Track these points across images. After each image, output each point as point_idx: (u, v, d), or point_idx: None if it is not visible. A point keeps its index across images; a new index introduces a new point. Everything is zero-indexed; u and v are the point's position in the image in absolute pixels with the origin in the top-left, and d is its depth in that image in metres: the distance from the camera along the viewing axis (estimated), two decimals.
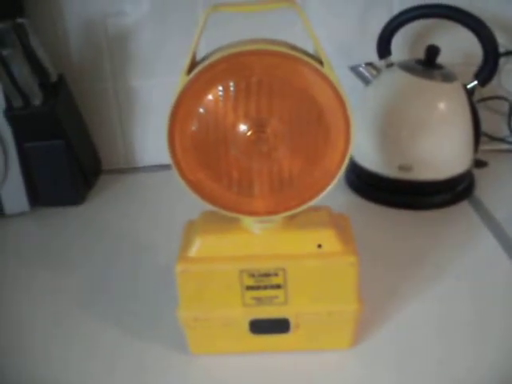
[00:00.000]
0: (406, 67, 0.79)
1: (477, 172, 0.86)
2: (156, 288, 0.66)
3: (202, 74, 0.45)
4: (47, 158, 0.84)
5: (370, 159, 0.82)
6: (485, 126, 0.87)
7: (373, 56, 0.82)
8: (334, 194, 0.83)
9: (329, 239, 0.51)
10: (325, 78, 0.45)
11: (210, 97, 0.46)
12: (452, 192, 0.81)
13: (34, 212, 0.86)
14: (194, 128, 0.47)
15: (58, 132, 0.82)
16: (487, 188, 0.84)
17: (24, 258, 0.76)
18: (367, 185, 0.83)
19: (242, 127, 0.47)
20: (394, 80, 0.80)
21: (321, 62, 0.46)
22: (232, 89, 0.46)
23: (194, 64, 0.46)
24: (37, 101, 0.79)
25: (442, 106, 0.78)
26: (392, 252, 0.71)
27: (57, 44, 0.87)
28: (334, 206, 0.81)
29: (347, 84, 0.80)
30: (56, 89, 0.83)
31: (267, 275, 0.51)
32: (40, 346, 0.60)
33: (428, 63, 0.79)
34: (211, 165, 0.49)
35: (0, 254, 0.77)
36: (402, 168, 0.78)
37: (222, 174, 0.49)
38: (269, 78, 0.45)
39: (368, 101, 0.82)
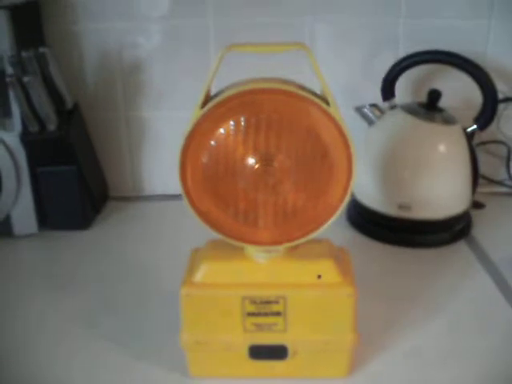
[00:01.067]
0: (409, 109, 0.82)
1: (474, 213, 0.88)
2: (159, 312, 0.67)
3: (215, 108, 0.48)
4: (58, 183, 0.86)
5: (371, 197, 0.84)
6: (483, 169, 0.90)
7: (377, 98, 0.86)
8: (336, 229, 0.85)
9: (328, 270, 0.53)
10: (330, 117, 0.48)
11: (222, 130, 0.49)
12: (449, 231, 0.83)
13: (42, 234, 0.88)
14: (204, 160, 0.50)
15: (69, 158, 0.85)
16: (484, 229, 0.86)
17: (29, 278, 0.78)
18: (367, 222, 0.86)
19: (250, 160, 0.50)
20: (397, 121, 0.83)
21: (327, 102, 0.49)
22: (243, 124, 0.49)
23: (207, 99, 0.49)
24: (52, 126, 0.81)
25: (442, 147, 0.81)
26: (389, 288, 0.73)
27: (73, 73, 0.91)
28: (335, 241, 0.84)
29: (351, 124, 0.84)
30: (70, 116, 0.86)
31: (268, 302, 0.53)
32: (43, 365, 0.61)
33: (430, 106, 0.82)
34: (219, 195, 0.51)
35: (6, 273, 0.79)
36: (401, 207, 0.81)
37: (230, 204, 0.51)
38: (277, 115, 0.48)
39: (371, 141, 0.85)
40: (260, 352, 0.55)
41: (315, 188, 0.51)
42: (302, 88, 0.49)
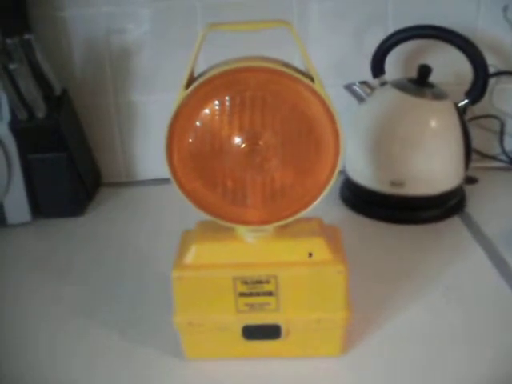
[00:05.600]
0: (399, 86, 0.82)
1: (468, 188, 0.88)
2: (156, 296, 0.67)
3: (199, 88, 0.48)
4: (49, 170, 0.86)
5: (363, 175, 0.84)
6: (477, 144, 0.90)
7: (368, 75, 0.85)
8: (328, 208, 0.87)
9: (319, 248, 0.53)
10: (315, 93, 0.48)
11: (207, 110, 0.49)
12: (443, 207, 0.83)
13: (36, 222, 0.88)
14: (190, 140, 0.50)
15: (60, 145, 0.85)
16: (478, 204, 0.86)
17: (24, 267, 0.78)
18: (360, 200, 0.85)
19: (237, 139, 0.49)
20: (387, 98, 0.83)
21: (312, 79, 0.48)
22: (227, 103, 0.48)
23: (192, 79, 0.49)
24: (41, 114, 0.81)
25: (433, 123, 0.81)
26: (383, 265, 0.73)
27: (61, 59, 0.90)
28: (327, 220, 0.83)
29: (341, 102, 0.85)
30: (59, 102, 0.85)
31: (259, 282, 0.53)
32: (42, 354, 0.61)
33: (420, 82, 0.81)
34: (206, 175, 0.51)
35: (1, 262, 0.79)
36: (393, 184, 0.80)
37: (217, 184, 0.51)
38: (262, 93, 0.48)
39: (361, 118, 0.85)
40: (254, 332, 0.55)
41: (302, 166, 0.51)
42: (287, 65, 0.48)
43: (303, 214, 0.53)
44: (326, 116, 0.49)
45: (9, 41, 0.76)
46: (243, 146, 0.49)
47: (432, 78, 0.82)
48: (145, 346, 0.60)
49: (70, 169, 0.87)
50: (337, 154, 0.50)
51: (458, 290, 0.68)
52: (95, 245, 0.82)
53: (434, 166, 0.81)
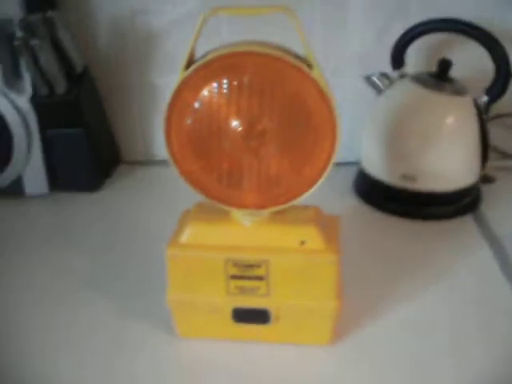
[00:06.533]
0: (418, 79, 0.80)
1: (484, 188, 0.86)
2: (159, 274, 0.68)
3: (198, 70, 0.48)
4: (67, 145, 0.88)
5: (377, 167, 0.83)
6: (499, 143, 0.88)
7: (388, 66, 0.84)
8: (341, 197, 0.87)
9: (312, 236, 0.53)
10: (313, 81, 0.48)
11: (205, 93, 0.49)
12: (455, 205, 0.82)
13: (52, 195, 0.89)
14: (189, 121, 0.50)
15: (78, 121, 0.86)
16: (493, 204, 0.84)
17: (37, 237, 0.80)
18: (372, 192, 0.85)
19: (234, 123, 0.50)
20: (405, 91, 0.81)
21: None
22: (225, 86, 0.49)
23: (191, 61, 0.49)
24: (60, 90, 0.83)
25: (449, 118, 0.79)
26: (388, 258, 0.73)
27: (85, 38, 0.91)
28: (337, 210, 0.82)
29: (361, 92, 0.85)
30: (80, 80, 0.87)
31: (251, 266, 0.53)
32: (44, 324, 0.63)
33: (439, 76, 0.80)
34: (204, 157, 0.51)
35: (17, 230, 0.82)
36: (406, 177, 0.79)
37: (214, 166, 0.52)
38: (259, 78, 0.48)
39: (379, 110, 0.84)
40: (243, 315, 0.56)
41: (299, 153, 0.51)
42: (286, 51, 0.48)
43: (298, 201, 0.53)
44: (324, 104, 0.48)
45: (32, 17, 0.78)
46: (240, 129, 0.50)
47: (454, 73, 0.80)
48: (141, 322, 0.61)
49: (87, 145, 0.88)
50: (333, 142, 0.50)
51: (460, 290, 0.67)
52: (108, 220, 0.83)
53: (448, 162, 0.80)
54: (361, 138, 0.86)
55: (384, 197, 0.83)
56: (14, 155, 0.86)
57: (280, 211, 0.54)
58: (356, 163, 0.88)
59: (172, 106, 0.50)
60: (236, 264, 0.53)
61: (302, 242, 0.53)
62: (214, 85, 0.49)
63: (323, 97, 0.48)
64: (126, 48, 0.94)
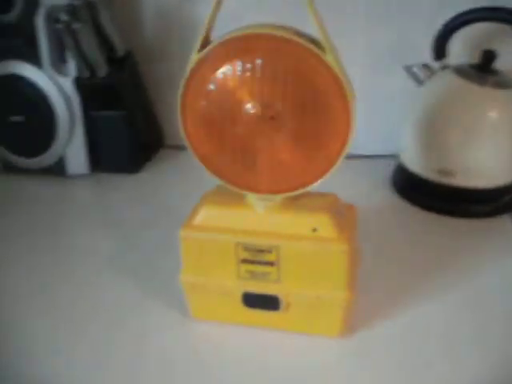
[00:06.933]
0: (460, 71, 0.78)
1: None
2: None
3: (211, 53, 0.48)
4: (109, 127, 0.90)
5: (415, 160, 0.81)
6: None
7: (429, 57, 0.81)
8: (376, 190, 0.85)
9: (324, 224, 0.52)
10: (327, 65, 0.47)
11: (219, 75, 0.49)
12: (494, 203, 0.78)
13: (93, 176, 0.92)
14: (203, 103, 0.50)
15: (119, 104, 0.88)
16: None
17: (74, 216, 0.83)
18: (408, 186, 0.83)
19: (247, 105, 0.49)
20: (446, 83, 0.79)
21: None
22: (239, 69, 0.48)
23: (206, 43, 0.49)
24: (102, 73, 0.85)
25: (492, 112, 0.76)
26: (416, 254, 0.71)
27: (130, 22, 0.93)
28: (373, 203, 0.82)
29: (401, 84, 0.82)
30: (122, 63, 0.89)
31: (261, 251, 0.53)
32: (72, 296, 0.66)
33: (483, 68, 0.77)
34: (218, 140, 0.51)
35: (58, 208, 0.85)
36: (443, 172, 0.77)
37: (227, 149, 0.52)
38: (272, 61, 0.47)
39: (418, 101, 0.81)
40: (253, 301, 0.56)
41: (311, 139, 0.50)
42: (300, 35, 0.47)
43: (310, 188, 0.52)
44: (338, 90, 0.47)
45: (75, 2, 0.80)
46: (252, 112, 0.49)
47: (498, 65, 0.77)
48: (161, 302, 0.62)
49: (128, 127, 0.90)
50: (348, 129, 0.49)
51: (485, 295, 0.64)
52: (144, 203, 0.85)
53: (488, 158, 0.77)
54: (400, 131, 0.84)
55: (421, 192, 0.81)
56: (57, 135, 0.89)
57: (294, 197, 0.53)
58: (395, 156, 0.86)
59: (186, 88, 0.50)
60: (246, 248, 0.53)
61: (314, 230, 0.52)
62: (228, 67, 0.49)
63: (337, 82, 0.47)
64: (172, 34, 0.95)
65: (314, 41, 0.48)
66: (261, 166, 0.52)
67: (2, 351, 0.57)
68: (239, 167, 0.52)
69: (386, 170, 0.88)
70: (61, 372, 0.54)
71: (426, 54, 0.81)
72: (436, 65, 0.81)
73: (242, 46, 0.48)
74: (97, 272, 0.69)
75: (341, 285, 0.53)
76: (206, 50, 0.48)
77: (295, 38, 0.46)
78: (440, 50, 0.80)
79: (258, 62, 0.48)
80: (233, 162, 0.52)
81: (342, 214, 0.55)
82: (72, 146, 0.90)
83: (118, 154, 0.93)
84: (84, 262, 0.71)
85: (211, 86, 0.50)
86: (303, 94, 0.48)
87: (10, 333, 0.60)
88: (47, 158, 0.91)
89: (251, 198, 0.54)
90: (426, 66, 0.81)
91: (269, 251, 0.53)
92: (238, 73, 0.48)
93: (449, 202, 0.79)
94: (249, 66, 0.48)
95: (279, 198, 0.53)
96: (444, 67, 0.80)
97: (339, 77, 0.47)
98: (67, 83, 0.87)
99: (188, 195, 0.85)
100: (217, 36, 0.50)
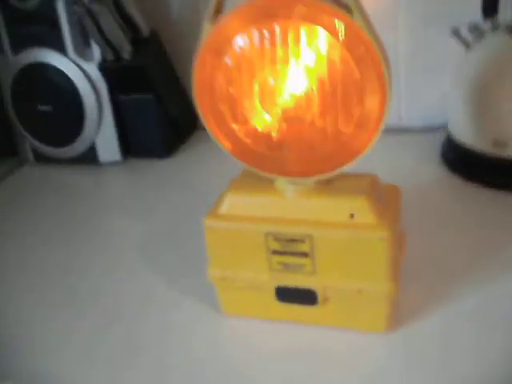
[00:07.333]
0: None
1: None
2: None
3: (226, 22, 0.43)
4: (138, 111, 0.87)
5: (465, 132, 0.74)
6: None
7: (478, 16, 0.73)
8: (426, 166, 0.78)
9: (362, 209, 0.47)
10: (355, 28, 0.41)
11: (235, 47, 0.44)
12: None
13: (126, 162, 0.89)
14: (220, 78, 0.45)
15: (147, 86, 0.85)
16: None
17: (107, 205, 0.80)
18: (459, 159, 0.75)
19: (267, 80, 0.44)
20: (498, 45, 0.71)
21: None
22: (256, 39, 0.43)
23: (218, 11, 0.44)
24: (126, 55, 0.81)
25: None
26: (465, 233, 0.64)
27: (153, 1, 0.89)
28: (421, 179, 0.76)
29: (446, 48, 0.75)
30: (147, 44, 0.85)
31: (293, 241, 0.48)
32: (98, 282, 0.63)
33: None
34: (239, 119, 0.46)
35: (91, 196, 0.83)
36: (496, 143, 0.70)
37: (250, 128, 0.47)
38: (294, 28, 0.42)
39: (467, 67, 0.74)
40: (288, 295, 0.51)
41: (343, 113, 0.44)
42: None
43: (347, 168, 0.47)
44: (370, 57, 0.41)
45: None
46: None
47: None
48: (189, 296, 0.58)
49: (158, 110, 0.87)
50: (383, 101, 0.43)
51: None
52: (176, 187, 0.81)
53: None
54: (448, 100, 0.76)
55: (471, 164, 0.74)
56: (86, 123, 0.86)
57: (328, 181, 0.48)
58: (443, 128, 0.79)
59: (200, 63, 0.45)
60: (277, 238, 0.48)
61: (351, 216, 0.47)
62: (245, 38, 0.43)
63: (368, 47, 0.41)
64: (199, 10, 0.90)
65: (339, 3, 0.42)
66: (289, 147, 0.46)
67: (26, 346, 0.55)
68: (265, 148, 0.47)
69: (434, 143, 0.82)
70: (85, 369, 0.51)
71: (475, 13, 0.73)
72: (486, 24, 0.73)
73: (259, 12, 0.42)
74: (121, 258, 0.67)
75: (383, 276, 0.48)
76: (218, 20, 0.43)
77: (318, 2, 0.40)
78: (490, 7, 0.72)
79: (279, 29, 0.42)
80: (257, 143, 0.47)
81: (383, 198, 0.49)
82: (102, 132, 0.88)
83: (150, 138, 0.89)
84: (117, 250, 0.69)
85: (228, 60, 0.45)
86: (332, 65, 0.42)
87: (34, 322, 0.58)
88: (78, 147, 0.89)
89: (280, 182, 0.49)
90: (475, 27, 0.73)
91: (302, 241, 0.48)
92: (256, 43, 0.43)
93: (502, 174, 0.72)
94: (268, 34, 0.42)
95: (311, 181, 0.48)
96: (495, 27, 0.72)
97: (370, 41, 0.41)
98: (92, 68, 0.84)
99: (225, 179, 0.82)
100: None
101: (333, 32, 0.42)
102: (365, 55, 0.41)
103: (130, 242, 0.70)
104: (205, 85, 0.46)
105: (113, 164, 0.90)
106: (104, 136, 0.88)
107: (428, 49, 0.82)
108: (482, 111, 0.71)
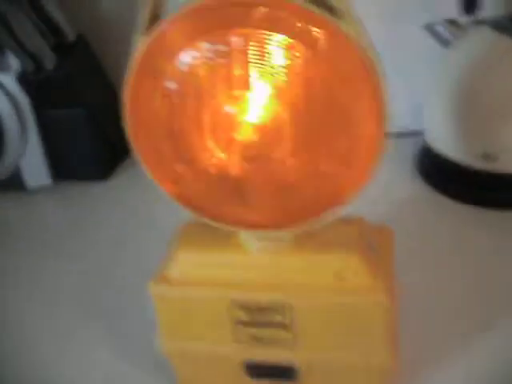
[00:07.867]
0: (499, 26, 0.61)
1: None
2: None
3: (166, 32, 0.32)
4: (67, 128, 0.76)
5: (446, 142, 0.65)
6: None
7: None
8: (401, 180, 0.69)
9: (352, 268, 0.36)
10: (340, 36, 0.30)
11: (179, 66, 0.33)
12: None
13: (57, 186, 0.78)
14: (159, 108, 0.34)
15: (76, 99, 0.73)
16: None
17: (38, 235, 0.71)
18: (440, 173, 0.67)
19: (224, 108, 0.33)
20: (481, 42, 0.62)
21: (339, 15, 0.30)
22: (209, 53, 0.32)
23: (155, 21, 0.33)
24: (49, 64, 0.69)
25: None
26: (457, 261, 0.56)
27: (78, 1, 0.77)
28: (397, 196, 0.67)
29: (420, 46, 0.66)
30: (73, 50, 0.73)
31: (265, 309, 0.38)
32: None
33: None
34: (185, 158, 0.35)
35: (19, 228, 0.73)
36: (481, 155, 0.61)
37: (199, 170, 0.36)
38: (257, 39, 0.31)
39: (447, 69, 0.65)
40: (259, 371, 0.40)
41: (324, 150, 0.34)
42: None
43: (329, 218, 0.36)
44: (360, 75, 0.31)
45: None
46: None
47: None
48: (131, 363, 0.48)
49: (90, 126, 0.76)
50: (378, 131, 0.33)
51: None
52: (118, 214, 0.72)
53: None
54: (424, 105, 0.67)
55: (454, 179, 0.66)
56: (7, 145, 0.75)
57: (306, 232, 0.37)
58: (420, 134, 0.70)
59: (134, 86, 0.34)
60: (244, 307, 0.38)
61: (339, 277, 0.37)
62: (193, 53, 0.32)
63: (358, 61, 0.31)
64: (132, 7, 0.78)
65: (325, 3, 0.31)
66: (253, 194, 0.36)
67: None
68: (223, 196, 0.36)
69: (409, 151, 0.72)
70: None
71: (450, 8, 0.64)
72: (466, 20, 0.64)
73: (213, 18, 0.31)
74: (65, 315, 0.56)
75: (379, 348, 0.38)
76: (156, 31, 0.32)
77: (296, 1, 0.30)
78: (471, 1, 0.63)
79: (238, 41, 0.31)
80: (211, 189, 0.36)
81: (375, 247, 0.39)
82: (27, 154, 0.77)
83: (83, 158, 0.79)
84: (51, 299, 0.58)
85: (169, 84, 0.33)
86: (308, 85, 0.32)
87: None
88: (0, 172, 0.76)
89: (245, 235, 0.38)
90: (453, 23, 0.64)
91: (275, 310, 0.37)
92: (208, 59, 0.32)
93: (491, 191, 0.64)
94: (224, 48, 0.31)
95: (284, 235, 0.37)
96: (477, 22, 0.64)
97: (363, 52, 0.30)
98: (10, 81, 0.72)
99: (170, 205, 0.71)
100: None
101: (309, 42, 0.31)
102: (353, 72, 0.31)
103: (65, 288, 0.60)
104: (140, 115, 0.35)
105: (42, 189, 0.78)
106: (30, 158, 0.76)
107: (402, 46, 0.73)
108: (465, 119, 0.63)
